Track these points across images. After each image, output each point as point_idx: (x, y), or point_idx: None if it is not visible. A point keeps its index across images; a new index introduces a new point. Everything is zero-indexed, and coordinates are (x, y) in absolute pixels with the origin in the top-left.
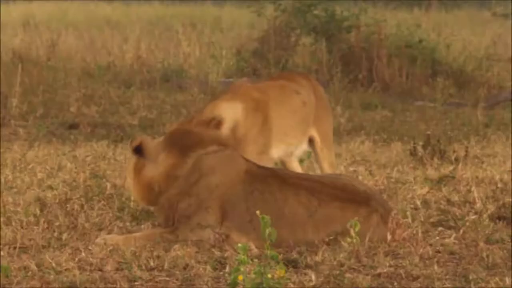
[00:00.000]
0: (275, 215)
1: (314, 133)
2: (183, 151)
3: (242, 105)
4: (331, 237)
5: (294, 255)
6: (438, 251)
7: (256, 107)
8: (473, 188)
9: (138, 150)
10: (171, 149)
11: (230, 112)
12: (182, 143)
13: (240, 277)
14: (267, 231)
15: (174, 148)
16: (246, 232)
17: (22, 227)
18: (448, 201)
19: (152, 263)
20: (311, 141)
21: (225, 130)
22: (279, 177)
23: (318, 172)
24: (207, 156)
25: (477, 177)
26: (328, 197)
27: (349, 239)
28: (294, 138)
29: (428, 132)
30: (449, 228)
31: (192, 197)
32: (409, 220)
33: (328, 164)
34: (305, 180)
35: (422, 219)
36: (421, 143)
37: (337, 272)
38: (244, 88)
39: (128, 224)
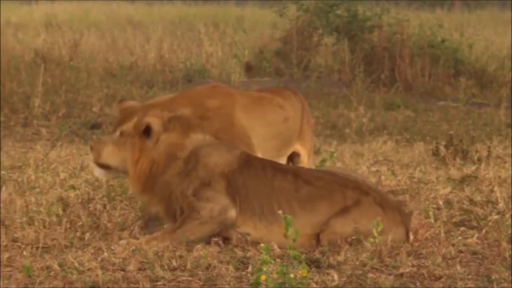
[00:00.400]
0: (265, 188)
1: (299, 148)
2: (184, 131)
3: (188, 109)
4: (353, 237)
5: (317, 255)
6: (461, 251)
7: (215, 112)
8: (495, 188)
9: (147, 132)
10: (172, 129)
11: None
12: (183, 124)
13: (263, 277)
14: (290, 230)
15: (175, 127)
16: (245, 208)
17: (44, 227)
18: (471, 201)
19: (174, 263)
20: (294, 156)
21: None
22: (270, 162)
23: None
24: (203, 146)
25: (499, 177)
26: (314, 178)
27: (371, 239)
28: (267, 151)
29: (451, 132)
30: (472, 228)
31: (192, 177)
32: (432, 220)
33: None
34: (293, 167)
35: (444, 219)
36: (443, 143)
37: (360, 272)
38: (199, 96)
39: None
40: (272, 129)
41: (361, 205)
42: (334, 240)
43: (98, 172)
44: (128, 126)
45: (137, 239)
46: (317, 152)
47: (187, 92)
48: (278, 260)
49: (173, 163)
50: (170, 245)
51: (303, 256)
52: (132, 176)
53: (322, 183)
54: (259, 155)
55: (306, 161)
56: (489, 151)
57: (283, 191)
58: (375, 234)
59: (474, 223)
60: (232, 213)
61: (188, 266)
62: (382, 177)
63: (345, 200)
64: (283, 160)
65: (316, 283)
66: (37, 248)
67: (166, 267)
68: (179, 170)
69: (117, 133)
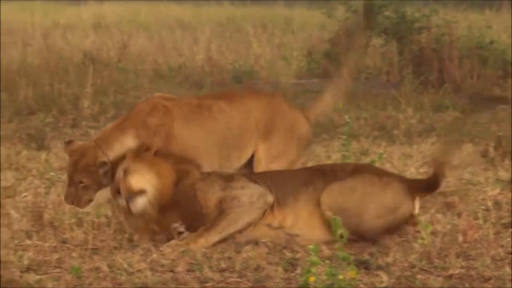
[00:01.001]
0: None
1: (259, 151)
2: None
3: (136, 136)
4: (403, 239)
5: (366, 256)
6: (510, 253)
7: (155, 133)
8: None
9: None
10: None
11: (125, 147)
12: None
13: (312, 278)
14: (339, 232)
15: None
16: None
17: (93, 228)
18: None
19: (223, 264)
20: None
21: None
22: None
23: None
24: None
25: None
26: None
27: (420, 240)
28: (214, 159)
29: (500, 134)
30: None
31: (212, 178)
32: (481, 221)
33: None
34: None
35: (493, 220)
36: (492, 144)
37: (409, 273)
38: (140, 115)
39: None
40: (213, 137)
41: (358, 174)
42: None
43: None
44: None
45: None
46: (365, 153)
47: (130, 113)
48: (327, 261)
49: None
50: (218, 245)
51: (352, 258)
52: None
53: (304, 170)
54: (206, 165)
55: (263, 165)
56: None
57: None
58: (424, 236)
59: None
60: (270, 198)
61: (237, 268)
62: None
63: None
64: (239, 165)
65: (365, 284)
66: (86, 249)
67: (215, 268)
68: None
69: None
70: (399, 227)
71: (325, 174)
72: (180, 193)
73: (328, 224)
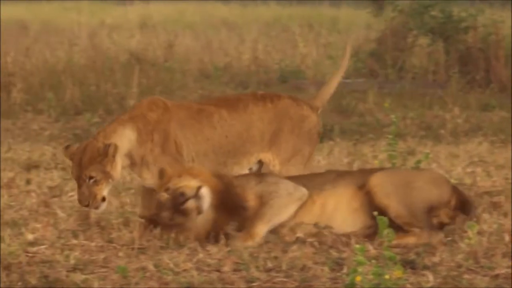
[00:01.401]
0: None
1: (269, 157)
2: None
3: (135, 128)
4: (449, 238)
5: (412, 255)
6: None
7: (153, 128)
8: None
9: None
10: None
11: (124, 138)
12: None
13: (358, 278)
14: (385, 232)
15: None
16: None
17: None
18: None
19: (269, 264)
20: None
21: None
22: None
23: None
24: None
25: None
26: None
27: (467, 240)
28: (209, 165)
29: None
30: None
31: (247, 176)
32: None
33: None
34: None
35: None
36: None
37: (455, 273)
38: (140, 110)
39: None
40: (209, 144)
41: None
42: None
43: None
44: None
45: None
46: (412, 153)
47: (130, 109)
48: (373, 261)
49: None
50: (265, 245)
51: (398, 257)
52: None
53: None
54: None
55: (278, 169)
56: None
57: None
58: (471, 235)
59: None
60: (305, 191)
61: (283, 267)
62: (478, 178)
63: None
64: (243, 170)
65: (411, 284)
66: (133, 249)
67: (261, 268)
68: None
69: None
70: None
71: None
72: (224, 193)
73: (370, 207)
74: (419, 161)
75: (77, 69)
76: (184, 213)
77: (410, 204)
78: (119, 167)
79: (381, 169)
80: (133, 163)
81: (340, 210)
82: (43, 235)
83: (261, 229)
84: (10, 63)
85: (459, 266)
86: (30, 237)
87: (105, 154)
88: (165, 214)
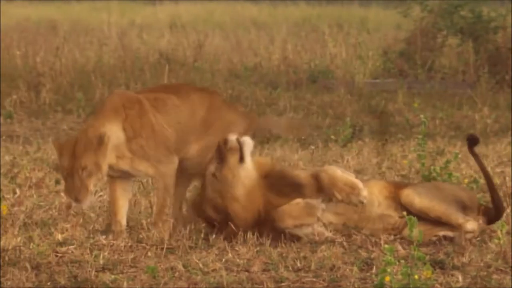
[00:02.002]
0: None
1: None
2: None
3: (121, 125)
4: (478, 238)
5: (441, 256)
6: None
7: (140, 124)
8: None
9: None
10: None
11: (113, 134)
12: None
13: (387, 278)
14: (414, 231)
15: None
16: None
17: (169, 228)
18: None
19: (298, 264)
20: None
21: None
22: None
23: None
24: None
25: None
26: None
27: (496, 240)
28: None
29: None
30: None
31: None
32: None
33: None
34: None
35: None
36: None
37: (484, 273)
38: (115, 105)
39: None
40: (170, 130)
41: None
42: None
43: None
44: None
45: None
46: (441, 153)
47: (105, 106)
48: (402, 261)
49: None
50: (294, 245)
51: (427, 257)
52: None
53: None
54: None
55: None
56: None
57: None
58: (500, 235)
59: None
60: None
61: (312, 267)
62: (507, 178)
63: None
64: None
65: (441, 284)
66: (162, 249)
67: (290, 268)
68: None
69: None
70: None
71: None
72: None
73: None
74: (448, 161)
75: (106, 69)
76: (225, 160)
77: (444, 200)
78: (107, 162)
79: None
80: (120, 158)
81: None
82: (72, 235)
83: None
84: (39, 63)
85: (489, 266)
86: (59, 237)
87: (101, 143)
88: (211, 168)
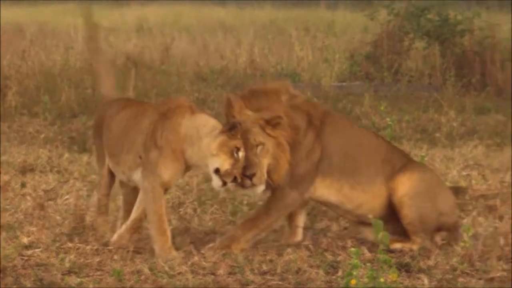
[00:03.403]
0: None
1: None
2: None
3: None
4: (444, 242)
5: (407, 259)
6: None
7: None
8: None
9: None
10: None
11: None
12: None
13: (353, 281)
14: (380, 235)
15: None
16: None
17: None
18: None
19: (264, 267)
20: None
21: None
22: None
23: None
24: None
25: None
26: None
27: (462, 243)
28: None
29: None
30: None
31: None
32: None
33: None
34: None
35: None
36: None
37: (450, 276)
38: None
39: None
40: None
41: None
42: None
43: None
44: None
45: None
46: None
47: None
48: (368, 264)
49: None
50: (260, 248)
51: (393, 260)
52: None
53: None
54: None
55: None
56: None
57: None
58: (466, 239)
59: None
60: None
61: (278, 270)
62: (473, 182)
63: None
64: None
65: (406, 287)
66: (128, 252)
67: (256, 271)
68: None
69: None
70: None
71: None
72: None
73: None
74: None
75: (73, 72)
76: None
77: (424, 217)
78: None
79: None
80: None
81: None
82: (38, 238)
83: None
84: (6, 66)
85: (454, 269)
86: (25, 240)
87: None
88: None
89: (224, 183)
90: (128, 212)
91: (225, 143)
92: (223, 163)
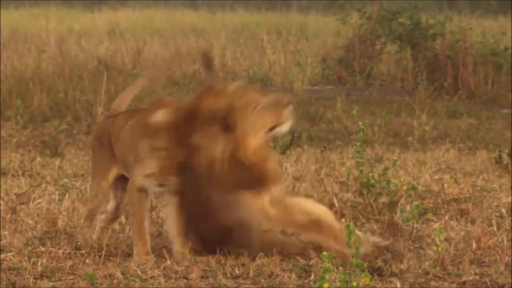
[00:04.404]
0: None
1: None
2: None
3: None
4: (416, 245)
5: (379, 263)
6: None
7: None
8: None
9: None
10: None
11: None
12: None
13: (325, 285)
14: (352, 238)
15: None
16: None
17: (107, 235)
18: None
19: (237, 271)
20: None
21: None
22: None
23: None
24: None
25: None
26: None
27: (434, 247)
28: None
29: None
30: None
31: None
32: (495, 228)
33: None
34: None
35: (507, 227)
36: (506, 151)
37: (422, 280)
38: None
39: None
40: None
41: None
42: None
43: None
44: None
45: None
46: (379, 160)
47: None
48: (340, 268)
49: None
50: (232, 252)
51: (365, 264)
52: None
53: None
54: None
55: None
56: None
57: None
58: (438, 242)
59: None
60: None
61: (251, 274)
62: (445, 185)
63: None
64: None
65: None
66: (100, 256)
67: (228, 275)
68: None
69: None
70: None
71: None
72: None
73: None
74: (386, 168)
75: (45, 76)
76: None
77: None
78: None
79: None
80: None
81: None
82: (10, 242)
83: None
84: None
85: (427, 273)
86: None
87: None
88: None
89: None
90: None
91: None
92: None
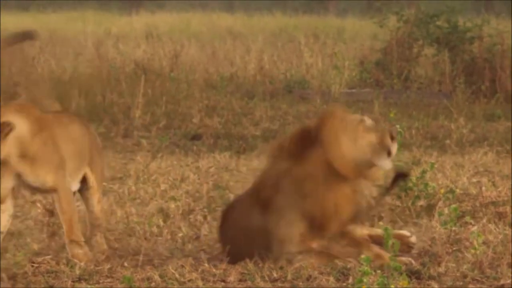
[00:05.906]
0: None
1: (89, 173)
2: None
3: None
4: (454, 248)
5: (417, 266)
6: None
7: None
8: None
9: None
10: None
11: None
12: None
13: None
14: (390, 242)
15: None
16: None
17: (145, 238)
18: None
19: (275, 274)
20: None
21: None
22: None
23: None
24: None
25: None
26: None
27: (472, 250)
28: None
29: None
30: None
31: None
32: None
33: (101, 208)
34: None
35: None
36: None
37: (460, 283)
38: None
39: None
40: (73, 147)
41: None
42: None
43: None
44: None
45: None
46: (417, 163)
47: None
48: (378, 271)
49: None
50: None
51: (403, 267)
52: None
53: None
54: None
55: (96, 186)
56: None
57: None
58: (476, 245)
59: None
60: None
61: (289, 277)
62: (483, 188)
63: None
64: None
65: None
66: (138, 259)
67: (266, 278)
68: None
69: None
70: None
71: None
72: None
73: None
74: (424, 171)
75: (82, 79)
76: None
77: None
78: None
79: None
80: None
81: None
82: (48, 245)
83: None
84: (15, 73)
85: (465, 276)
86: (35, 247)
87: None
88: None
89: None
90: None
91: None
92: None
